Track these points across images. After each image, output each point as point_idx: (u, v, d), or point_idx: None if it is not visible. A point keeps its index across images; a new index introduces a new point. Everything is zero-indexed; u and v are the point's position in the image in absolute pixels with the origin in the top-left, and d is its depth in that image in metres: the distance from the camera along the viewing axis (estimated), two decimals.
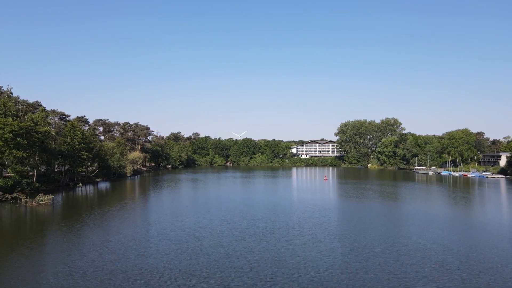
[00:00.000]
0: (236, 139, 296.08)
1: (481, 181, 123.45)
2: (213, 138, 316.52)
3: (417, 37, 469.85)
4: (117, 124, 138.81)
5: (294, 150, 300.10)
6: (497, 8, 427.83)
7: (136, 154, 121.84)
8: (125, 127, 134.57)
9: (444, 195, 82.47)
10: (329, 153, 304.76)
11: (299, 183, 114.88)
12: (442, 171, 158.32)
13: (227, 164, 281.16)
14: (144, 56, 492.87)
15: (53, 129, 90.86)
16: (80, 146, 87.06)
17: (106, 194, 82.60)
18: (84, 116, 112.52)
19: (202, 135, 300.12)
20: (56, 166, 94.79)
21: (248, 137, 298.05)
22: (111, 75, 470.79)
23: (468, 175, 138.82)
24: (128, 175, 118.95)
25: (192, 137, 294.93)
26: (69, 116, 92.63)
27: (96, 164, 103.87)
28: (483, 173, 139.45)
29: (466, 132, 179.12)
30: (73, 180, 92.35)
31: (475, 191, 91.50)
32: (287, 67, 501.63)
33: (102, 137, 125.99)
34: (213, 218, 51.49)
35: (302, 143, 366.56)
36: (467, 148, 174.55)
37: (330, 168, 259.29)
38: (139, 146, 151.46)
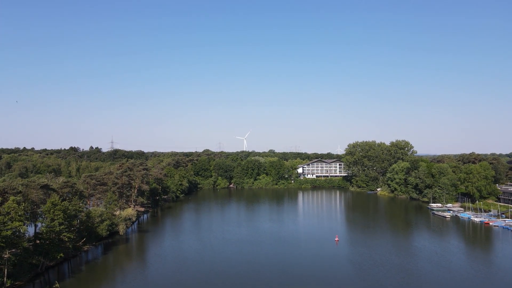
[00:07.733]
0: (240, 160, 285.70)
1: (505, 235, 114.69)
2: (217, 152, 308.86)
3: (418, 52, 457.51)
4: (110, 173, 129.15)
5: (300, 170, 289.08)
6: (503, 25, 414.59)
7: (130, 211, 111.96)
8: (118, 175, 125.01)
9: (464, 272, 71.88)
10: (336, 173, 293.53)
11: (306, 241, 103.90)
12: (461, 214, 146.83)
13: (231, 186, 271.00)
14: (140, 72, 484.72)
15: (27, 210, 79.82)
16: (61, 227, 77.26)
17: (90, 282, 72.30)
18: (69, 181, 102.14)
19: (205, 147, 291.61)
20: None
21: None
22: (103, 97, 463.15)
23: (490, 224, 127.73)
24: (120, 233, 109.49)
25: (195, 158, 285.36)
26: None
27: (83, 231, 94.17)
28: (506, 221, 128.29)
29: (484, 166, 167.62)
30: (55, 259, 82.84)
31: (500, 262, 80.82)
32: (289, 79, 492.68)
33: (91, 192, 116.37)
34: None
35: (307, 157, 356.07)
36: (486, 184, 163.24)
37: (338, 192, 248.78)
38: (135, 190, 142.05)
